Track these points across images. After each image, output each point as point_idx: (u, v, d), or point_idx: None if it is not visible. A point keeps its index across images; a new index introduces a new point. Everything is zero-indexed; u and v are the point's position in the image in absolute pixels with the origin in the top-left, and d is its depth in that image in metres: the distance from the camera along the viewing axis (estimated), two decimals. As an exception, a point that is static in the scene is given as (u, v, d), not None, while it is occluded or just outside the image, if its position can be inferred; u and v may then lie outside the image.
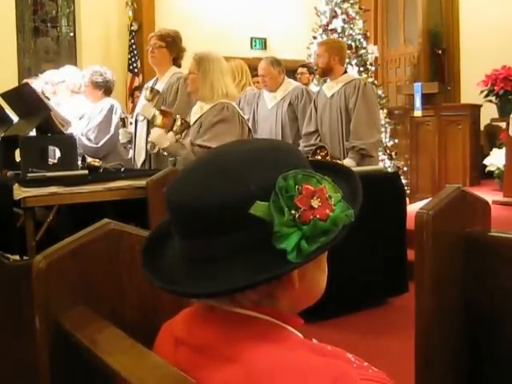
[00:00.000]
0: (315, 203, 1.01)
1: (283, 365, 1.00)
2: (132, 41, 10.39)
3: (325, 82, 8.55)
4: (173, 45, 5.04)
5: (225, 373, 1.04)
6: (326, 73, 5.55)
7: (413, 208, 5.00)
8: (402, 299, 5.06)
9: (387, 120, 8.93)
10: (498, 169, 8.20)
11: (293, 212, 1.00)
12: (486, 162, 8.53)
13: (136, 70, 10.36)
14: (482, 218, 2.40)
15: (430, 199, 2.36)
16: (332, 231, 1.02)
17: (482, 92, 8.61)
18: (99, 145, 5.42)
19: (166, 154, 4.55)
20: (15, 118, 4.73)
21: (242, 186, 1.03)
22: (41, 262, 1.49)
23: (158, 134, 4.30)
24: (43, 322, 1.50)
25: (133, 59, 10.36)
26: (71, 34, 10.41)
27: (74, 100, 5.84)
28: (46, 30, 10.28)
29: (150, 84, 5.17)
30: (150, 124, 4.91)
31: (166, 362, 1.11)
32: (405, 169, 9.29)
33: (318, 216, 1.01)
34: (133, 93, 9.23)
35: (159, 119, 4.29)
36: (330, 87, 5.53)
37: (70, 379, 1.50)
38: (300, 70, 8.10)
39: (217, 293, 1.06)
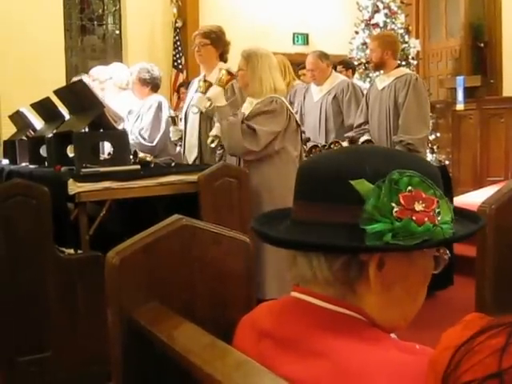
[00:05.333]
0: (418, 207, 1.04)
1: (374, 362, 1.00)
2: (176, 37, 10.45)
3: (367, 76, 8.60)
4: (217, 41, 5.05)
5: (314, 368, 1.04)
6: (380, 67, 5.52)
7: (456, 202, 4.97)
8: (448, 292, 5.04)
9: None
10: (542, 162, 8.11)
11: (393, 205, 1.03)
12: (529, 155, 8.44)
13: (180, 66, 10.43)
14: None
15: (492, 194, 2.34)
16: (420, 238, 1.04)
17: (526, 85, 8.53)
18: (154, 143, 5.41)
19: (221, 146, 4.63)
20: (66, 114, 4.79)
21: (359, 164, 1.09)
22: (114, 257, 1.51)
23: (218, 91, 4.33)
24: (116, 317, 1.52)
25: (177, 55, 10.43)
26: (117, 32, 10.53)
27: (122, 96, 5.87)
28: (93, 28, 10.44)
29: (200, 77, 5.19)
30: (203, 116, 4.95)
31: (250, 359, 1.11)
32: (446, 162, 9.21)
33: (414, 218, 1.03)
34: (178, 89, 9.28)
35: (224, 75, 4.32)
36: (382, 80, 5.49)
37: (142, 373, 1.51)
38: (338, 68, 8.05)
39: (285, 241, 1.15)
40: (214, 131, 4.62)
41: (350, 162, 1.10)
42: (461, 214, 1.16)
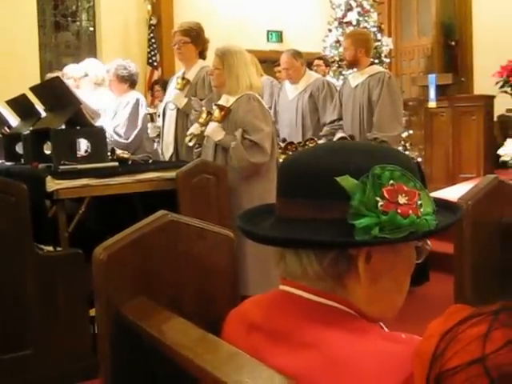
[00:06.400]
0: (402, 200, 1.07)
1: (362, 352, 1.03)
2: (151, 35, 10.45)
3: (340, 74, 8.64)
4: (197, 38, 5.06)
5: (305, 359, 1.07)
6: (353, 65, 5.53)
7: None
8: (424, 288, 5.09)
9: (401, 111, 8.93)
10: (513, 158, 8.22)
11: (377, 199, 1.06)
12: (501, 151, 8.53)
13: (155, 64, 10.42)
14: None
15: (468, 189, 2.38)
16: (405, 230, 1.07)
17: (497, 83, 8.62)
18: (129, 140, 5.39)
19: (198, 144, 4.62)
20: (42, 111, 4.75)
21: (341, 161, 1.11)
22: (101, 253, 1.51)
23: (213, 127, 4.34)
24: (104, 313, 1.52)
25: (152, 53, 10.42)
26: (91, 29, 10.50)
27: (99, 93, 5.85)
28: (67, 24, 10.39)
29: (179, 74, 5.20)
30: (180, 112, 4.96)
31: (241, 351, 1.14)
32: (419, 159, 9.28)
33: (399, 211, 1.06)
34: (152, 86, 9.26)
35: (217, 112, 4.33)
36: (356, 78, 5.50)
37: (130, 367, 1.52)
38: (316, 62, 8.10)
39: (275, 238, 1.15)
40: (192, 130, 4.63)
41: (332, 159, 1.13)
42: (439, 204, 1.19)
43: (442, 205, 1.20)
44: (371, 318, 1.16)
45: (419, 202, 1.08)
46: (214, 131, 4.34)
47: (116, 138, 5.34)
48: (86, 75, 6.00)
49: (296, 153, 1.28)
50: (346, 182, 1.07)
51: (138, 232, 1.57)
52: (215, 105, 4.44)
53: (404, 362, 0.98)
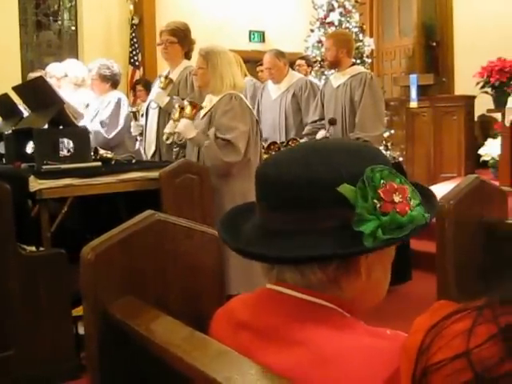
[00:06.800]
0: (397, 198, 1.09)
1: (350, 348, 1.05)
2: (133, 34, 10.39)
3: (323, 74, 8.66)
4: (184, 39, 5.06)
5: (293, 356, 1.08)
6: (335, 65, 5.54)
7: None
8: (406, 287, 5.13)
9: (383, 111, 8.96)
10: (493, 158, 8.26)
11: (375, 201, 1.07)
12: (481, 151, 8.59)
13: (137, 63, 10.38)
14: (499, 206, 2.45)
15: (450, 189, 2.40)
16: (406, 227, 1.08)
17: (477, 84, 8.68)
18: (110, 136, 5.38)
19: (176, 143, 4.62)
20: (25, 111, 4.74)
21: (334, 169, 1.10)
22: (89, 253, 1.52)
23: (185, 124, 4.32)
24: (92, 312, 1.53)
25: (134, 52, 10.37)
26: (73, 28, 10.42)
27: (79, 93, 5.83)
28: (48, 23, 10.30)
29: (164, 74, 5.20)
30: (162, 111, 4.97)
31: (230, 349, 1.15)
32: (400, 159, 9.32)
33: (397, 210, 1.08)
34: (134, 86, 9.24)
35: (188, 109, 4.32)
36: (337, 78, 5.52)
37: (118, 366, 1.53)
38: (298, 61, 8.12)
39: (278, 258, 1.13)
40: (168, 128, 4.62)
41: (322, 168, 1.11)
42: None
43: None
44: (360, 309, 1.19)
45: (409, 196, 1.10)
46: (186, 128, 4.32)
47: (101, 130, 5.32)
48: (66, 76, 5.98)
49: (278, 161, 1.20)
50: (345, 189, 1.08)
51: (126, 232, 1.58)
52: (187, 101, 4.42)
53: (390, 358, 1.01)
